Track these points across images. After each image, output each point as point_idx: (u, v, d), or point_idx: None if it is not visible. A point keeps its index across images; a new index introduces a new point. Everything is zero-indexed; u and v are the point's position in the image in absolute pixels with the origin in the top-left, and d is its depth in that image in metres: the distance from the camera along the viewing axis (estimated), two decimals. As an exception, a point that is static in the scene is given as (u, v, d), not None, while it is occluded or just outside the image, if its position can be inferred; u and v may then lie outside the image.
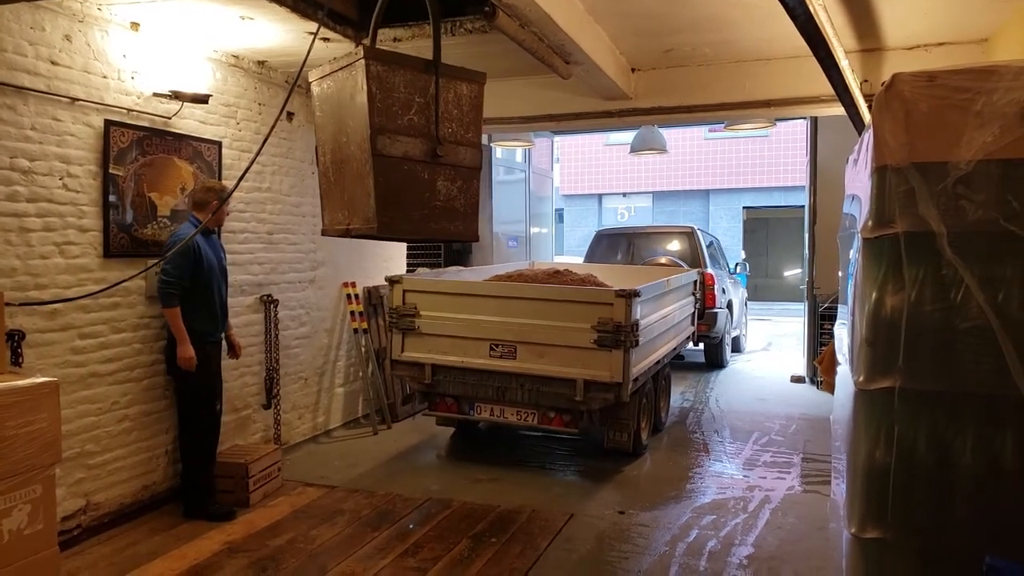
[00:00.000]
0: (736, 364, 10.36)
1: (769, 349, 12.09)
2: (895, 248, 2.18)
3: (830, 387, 3.81)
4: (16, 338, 3.65)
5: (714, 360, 9.86)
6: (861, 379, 2.29)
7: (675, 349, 6.68)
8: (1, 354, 2.95)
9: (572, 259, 11.64)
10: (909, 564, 2.23)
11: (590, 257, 10.32)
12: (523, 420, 5.25)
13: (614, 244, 10.53)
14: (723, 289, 9.66)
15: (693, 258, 9.59)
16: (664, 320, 6.01)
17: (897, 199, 2.16)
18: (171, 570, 3.80)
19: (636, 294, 4.90)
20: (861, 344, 2.29)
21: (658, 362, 5.92)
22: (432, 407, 5.56)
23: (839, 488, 2.84)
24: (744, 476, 5.48)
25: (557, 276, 6.13)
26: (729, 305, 10.01)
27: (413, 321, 5.37)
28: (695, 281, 7.49)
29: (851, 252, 2.80)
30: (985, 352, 2.09)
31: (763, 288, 21.27)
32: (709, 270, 9.42)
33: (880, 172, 2.22)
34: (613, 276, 7.01)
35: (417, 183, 3.31)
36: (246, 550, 4.06)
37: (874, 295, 2.24)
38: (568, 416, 5.11)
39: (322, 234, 3.71)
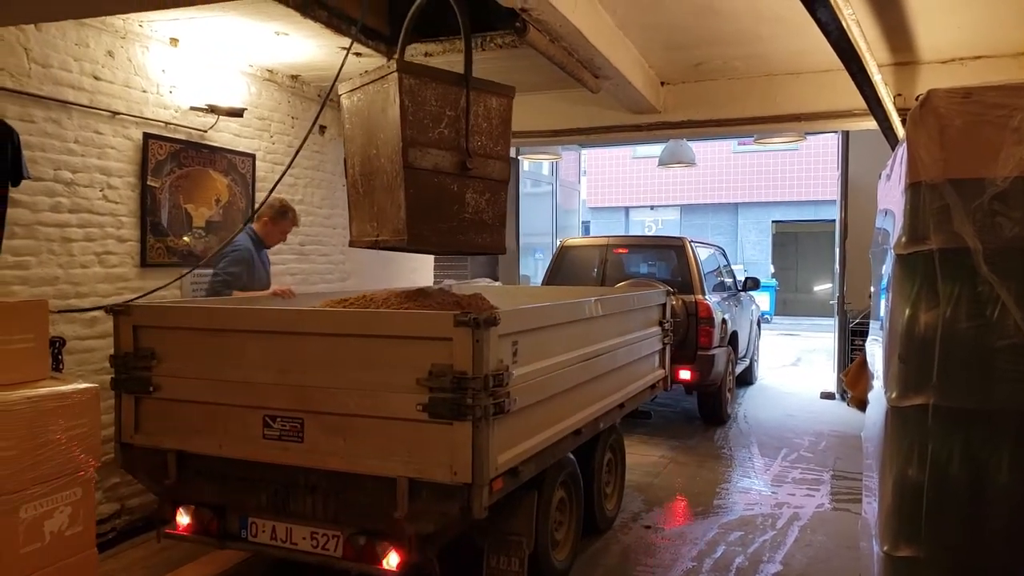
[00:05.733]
0: (764, 380, 10.24)
1: (798, 364, 11.93)
2: (929, 264, 2.16)
3: (857, 401, 3.74)
4: (57, 345, 3.74)
5: (712, 414, 7.57)
6: (894, 396, 2.26)
7: (623, 407, 4.47)
8: (44, 360, 3.05)
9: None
10: (943, 584, 2.20)
11: (551, 277, 7.96)
12: (320, 548, 3.06)
13: (583, 261, 8.04)
14: (724, 320, 7.38)
15: (684, 279, 7.25)
16: (590, 364, 3.82)
17: (932, 215, 2.15)
18: (202, 574, 3.85)
19: (492, 322, 2.74)
20: (894, 361, 2.27)
21: (579, 431, 3.72)
22: (179, 524, 3.30)
23: (870, 506, 2.81)
24: (772, 493, 5.42)
25: (418, 299, 3.63)
26: (734, 338, 7.85)
27: (148, 378, 3.28)
28: (662, 305, 5.30)
29: (884, 268, 2.78)
30: (1021, 369, 2.06)
31: (792, 303, 21.06)
32: (705, 297, 7.11)
33: (914, 188, 2.20)
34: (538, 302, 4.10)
35: (447, 196, 3.31)
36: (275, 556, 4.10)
37: (907, 311, 2.22)
38: (385, 543, 2.92)
39: (350, 245, 3.72)
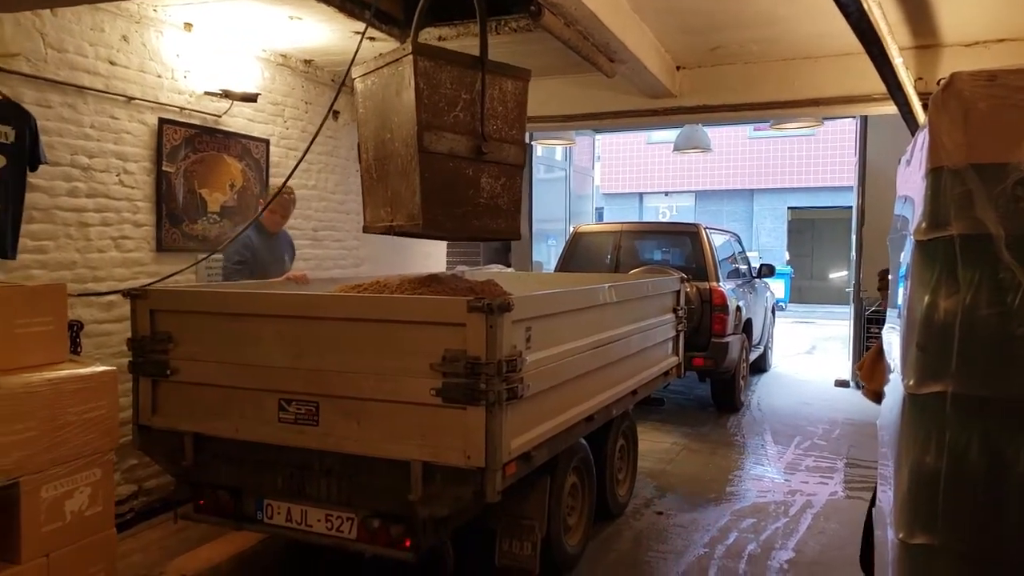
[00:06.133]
0: (778, 368, 10.19)
1: (813, 352, 11.87)
2: (950, 251, 2.13)
3: (872, 393, 3.69)
4: (75, 328, 3.79)
5: (725, 401, 7.55)
6: (911, 383, 2.24)
7: (636, 393, 4.45)
8: (63, 343, 3.08)
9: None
10: (958, 570, 2.18)
11: (564, 263, 7.89)
12: (334, 531, 3.09)
13: (597, 247, 7.98)
14: (738, 307, 7.37)
15: (698, 266, 7.23)
16: (603, 351, 3.81)
17: (953, 201, 2.11)
18: (219, 555, 3.91)
19: (505, 307, 2.75)
20: (912, 348, 2.24)
21: (591, 418, 3.73)
22: (196, 506, 3.38)
23: (885, 494, 2.79)
24: (785, 480, 5.41)
25: (431, 284, 3.65)
26: (748, 325, 7.83)
27: (165, 361, 3.32)
28: (676, 292, 5.27)
29: (902, 255, 2.74)
30: (1043, 358, 2.03)
31: (808, 290, 20.92)
32: (720, 284, 7.09)
33: (935, 173, 2.17)
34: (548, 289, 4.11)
35: (462, 180, 3.28)
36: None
37: (927, 299, 2.19)
38: (399, 527, 2.95)
39: (364, 231, 3.70)
